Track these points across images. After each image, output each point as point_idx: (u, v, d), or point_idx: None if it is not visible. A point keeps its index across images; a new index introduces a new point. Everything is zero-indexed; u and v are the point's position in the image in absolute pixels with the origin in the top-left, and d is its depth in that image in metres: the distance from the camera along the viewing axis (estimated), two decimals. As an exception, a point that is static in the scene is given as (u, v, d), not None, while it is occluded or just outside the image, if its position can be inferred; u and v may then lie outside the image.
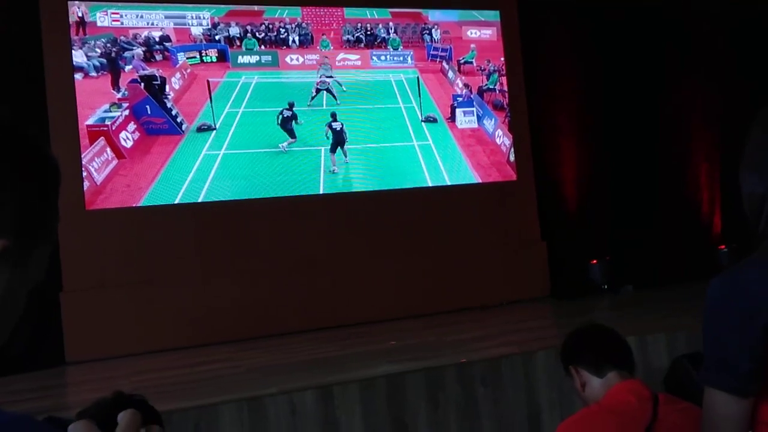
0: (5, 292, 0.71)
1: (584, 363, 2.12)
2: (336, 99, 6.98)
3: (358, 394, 3.61)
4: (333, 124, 6.87)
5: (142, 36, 6.40)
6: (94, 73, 6.17)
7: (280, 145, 6.68)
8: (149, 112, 6.32)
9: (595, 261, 7.23)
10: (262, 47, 6.84)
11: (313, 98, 6.92)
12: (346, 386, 3.62)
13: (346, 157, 6.89)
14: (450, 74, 7.46)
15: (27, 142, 0.74)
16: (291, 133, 6.77)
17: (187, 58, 6.58)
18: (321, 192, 6.74)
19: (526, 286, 7.03)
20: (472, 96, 7.44)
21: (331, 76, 7.00)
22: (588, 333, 2.24)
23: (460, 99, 7.41)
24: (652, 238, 7.46)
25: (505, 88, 7.49)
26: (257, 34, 6.82)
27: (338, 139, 6.86)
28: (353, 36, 7.16)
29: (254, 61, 6.82)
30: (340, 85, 7.01)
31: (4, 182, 0.70)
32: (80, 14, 6.16)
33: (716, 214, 8.11)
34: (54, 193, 0.76)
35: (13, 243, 0.70)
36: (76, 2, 6.15)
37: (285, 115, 6.76)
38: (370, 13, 7.26)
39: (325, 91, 6.97)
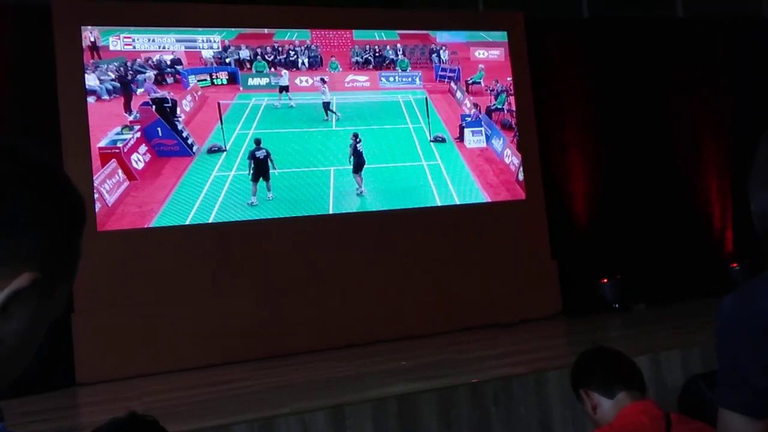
0: (30, 324, 0.72)
1: (594, 385, 2.12)
2: (336, 114, 6.99)
3: (369, 414, 3.60)
4: (256, 152, 6.59)
5: (154, 59, 6.49)
6: (106, 97, 6.25)
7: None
8: (160, 134, 6.39)
9: (605, 280, 7.20)
10: (272, 69, 6.91)
11: (327, 114, 6.98)
12: (357, 406, 3.60)
13: (269, 192, 6.59)
14: (458, 94, 7.50)
15: (59, 180, 0.76)
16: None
17: (198, 81, 6.65)
18: (330, 212, 6.76)
19: (538, 304, 7.01)
20: (480, 116, 7.47)
21: (328, 101, 7.03)
22: (595, 355, 2.24)
23: (468, 119, 7.44)
24: (663, 255, 7.42)
25: (513, 107, 7.52)
26: (267, 56, 6.90)
27: (260, 169, 6.58)
28: (362, 58, 7.23)
29: (264, 83, 6.89)
30: (334, 113, 7.00)
31: (39, 217, 0.72)
32: (93, 39, 6.26)
33: (728, 230, 8.07)
34: (80, 231, 0.78)
35: (42, 276, 0.72)
36: (89, 27, 6.25)
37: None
38: (379, 35, 7.33)
39: (327, 110, 6.99)
